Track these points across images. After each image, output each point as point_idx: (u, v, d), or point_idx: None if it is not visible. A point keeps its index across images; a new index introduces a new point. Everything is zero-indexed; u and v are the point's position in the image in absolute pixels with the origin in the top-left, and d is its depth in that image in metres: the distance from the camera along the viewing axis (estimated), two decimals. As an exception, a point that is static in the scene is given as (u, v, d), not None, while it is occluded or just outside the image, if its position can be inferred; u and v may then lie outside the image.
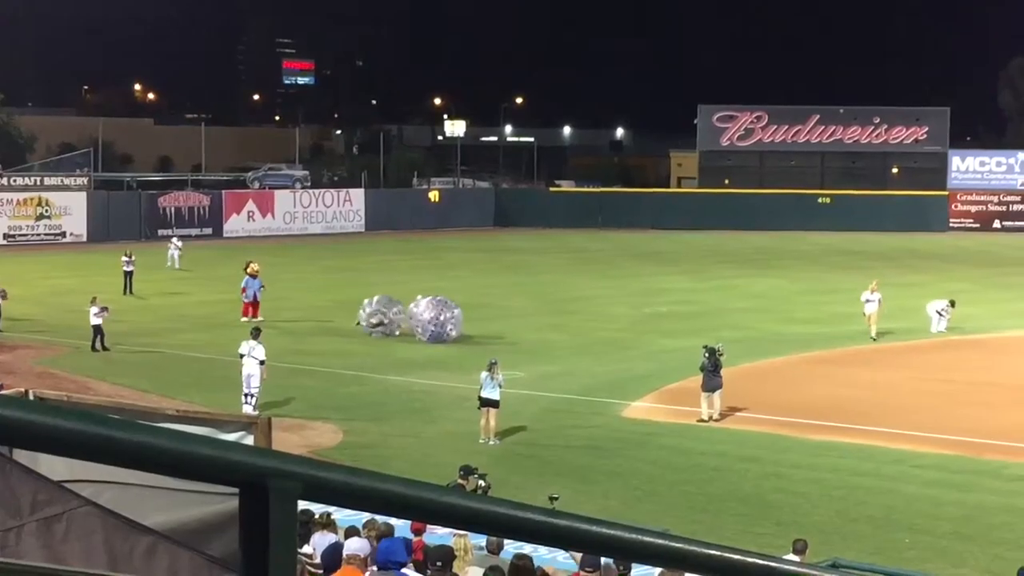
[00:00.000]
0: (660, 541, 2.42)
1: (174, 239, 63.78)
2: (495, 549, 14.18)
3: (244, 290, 43.84)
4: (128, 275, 50.18)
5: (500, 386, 27.50)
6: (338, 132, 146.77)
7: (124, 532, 3.49)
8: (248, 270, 44.07)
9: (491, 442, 26.91)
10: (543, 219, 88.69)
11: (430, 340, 38.60)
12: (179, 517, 3.68)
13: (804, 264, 65.10)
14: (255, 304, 43.54)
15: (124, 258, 50.84)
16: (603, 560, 13.03)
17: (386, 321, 40.10)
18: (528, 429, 28.32)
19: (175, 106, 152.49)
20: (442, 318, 39.21)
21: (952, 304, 42.07)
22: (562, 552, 13.61)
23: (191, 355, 36.62)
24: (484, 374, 27.66)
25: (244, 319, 41.92)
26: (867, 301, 40.59)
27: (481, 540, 14.32)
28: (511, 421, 28.37)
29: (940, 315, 41.63)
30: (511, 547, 13.80)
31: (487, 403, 27.32)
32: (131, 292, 49.49)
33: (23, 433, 1.83)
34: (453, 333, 39.27)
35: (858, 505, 22.88)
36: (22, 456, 3.38)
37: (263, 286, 43.97)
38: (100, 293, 40.63)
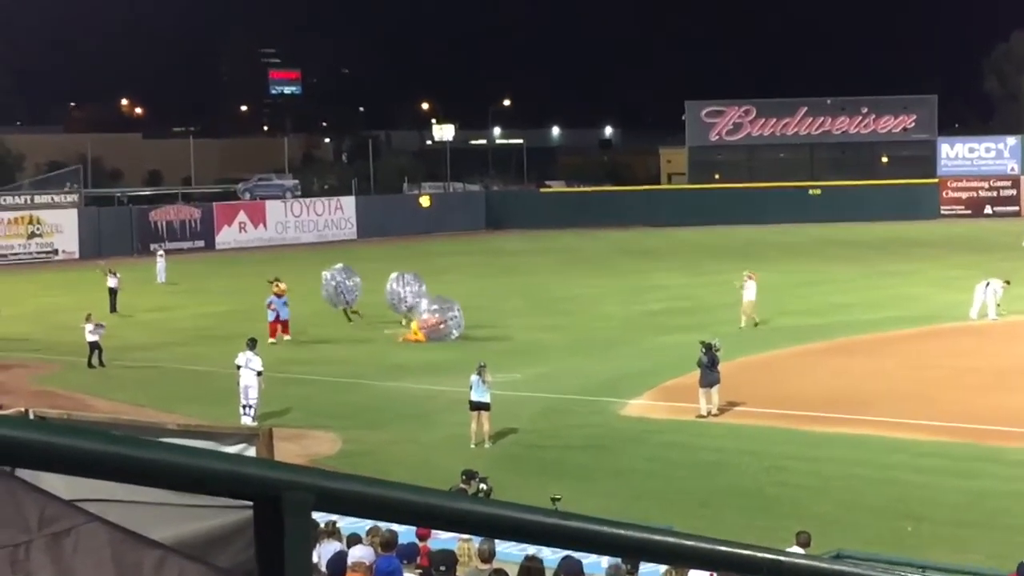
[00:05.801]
0: (669, 539, 2.44)
1: (159, 253, 63.12)
2: (487, 557, 13.66)
3: (271, 306, 40.55)
4: (113, 292, 48.82)
5: (490, 389, 27.45)
6: (327, 140, 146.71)
7: (132, 546, 3.50)
8: (275, 289, 41.04)
9: (486, 445, 26.87)
10: (534, 220, 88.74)
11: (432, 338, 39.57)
12: (182, 532, 3.70)
13: (796, 256, 65.13)
14: (284, 323, 40.73)
15: (109, 275, 49.41)
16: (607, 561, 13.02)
17: (348, 283, 42.35)
18: (527, 430, 28.32)
19: (162, 120, 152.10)
20: (446, 321, 40.15)
21: (1007, 283, 42.33)
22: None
23: (187, 368, 36.58)
24: (474, 377, 27.47)
25: (271, 341, 38.70)
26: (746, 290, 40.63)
27: (484, 544, 14.25)
28: (510, 423, 28.37)
29: (995, 294, 41.47)
30: (505, 550, 13.77)
31: (478, 406, 27.20)
32: (115, 310, 47.98)
33: (39, 454, 1.85)
34: (455, 333, 39.95)
35: (859, 495, 22.90)
36: (24, 475, 3.39)
37: (286, 304, 40.96)
38: (93, 310, 40.66)
